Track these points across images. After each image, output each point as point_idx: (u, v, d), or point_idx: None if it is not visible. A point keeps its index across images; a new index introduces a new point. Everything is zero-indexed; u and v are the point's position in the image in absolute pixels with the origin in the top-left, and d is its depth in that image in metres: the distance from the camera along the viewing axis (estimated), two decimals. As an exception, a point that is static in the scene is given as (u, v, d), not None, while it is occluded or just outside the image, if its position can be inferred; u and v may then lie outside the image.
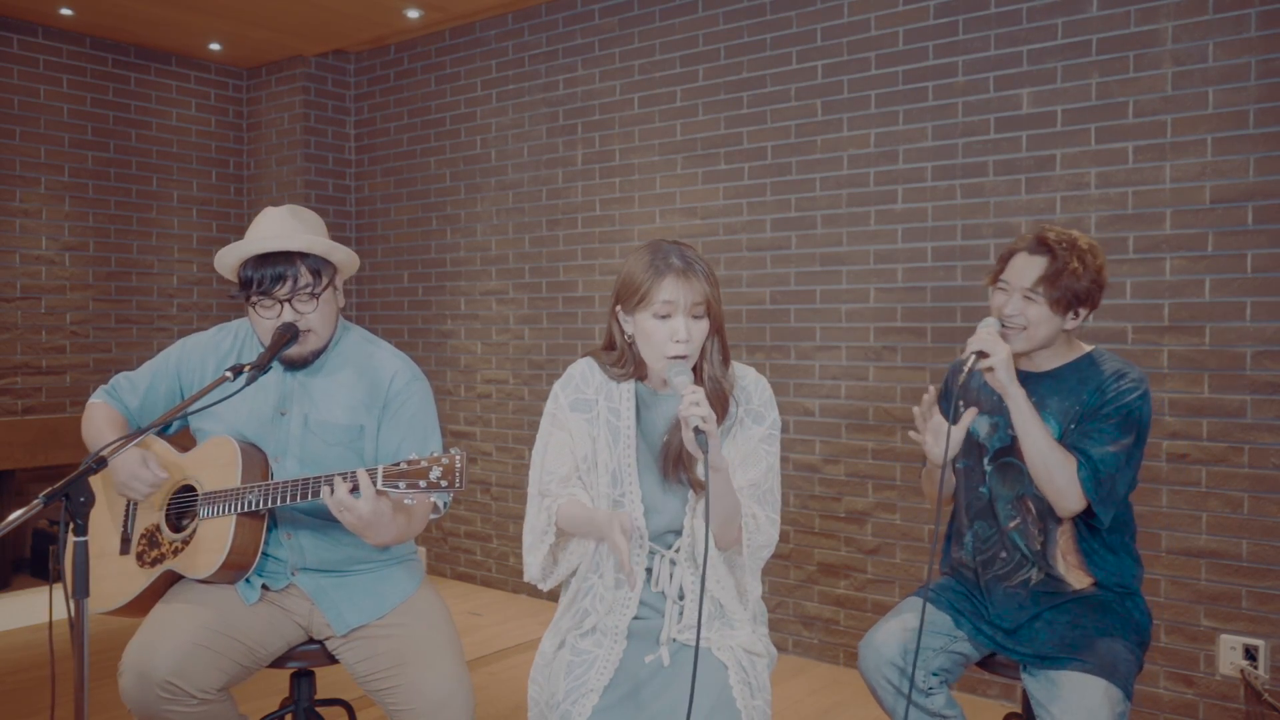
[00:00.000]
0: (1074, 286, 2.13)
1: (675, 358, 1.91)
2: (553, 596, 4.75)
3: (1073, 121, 3.34)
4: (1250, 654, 3.05)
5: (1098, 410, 2.15)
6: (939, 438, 2.16)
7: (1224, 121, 3.09)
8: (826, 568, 3.91)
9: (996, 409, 2.26)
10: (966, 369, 2.10)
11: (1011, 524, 2.25)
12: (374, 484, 1.91)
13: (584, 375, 2.06)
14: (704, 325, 1.94)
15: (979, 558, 2.31)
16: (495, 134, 4.92)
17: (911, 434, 2.24)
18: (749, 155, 4.07)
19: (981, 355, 2.10)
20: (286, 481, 2.06)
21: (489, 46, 4.93)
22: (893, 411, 3.73)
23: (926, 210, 3.65)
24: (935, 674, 2.19)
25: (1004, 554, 2.27)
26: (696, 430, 1.77)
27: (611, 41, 4.48)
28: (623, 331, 2.01)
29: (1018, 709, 3.03)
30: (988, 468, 2.29)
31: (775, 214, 4.01)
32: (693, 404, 1.78)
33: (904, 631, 2.21)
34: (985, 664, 2.27)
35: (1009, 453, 2.25)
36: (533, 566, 2.03)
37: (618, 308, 2.01)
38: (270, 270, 2.12)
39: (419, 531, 2.24)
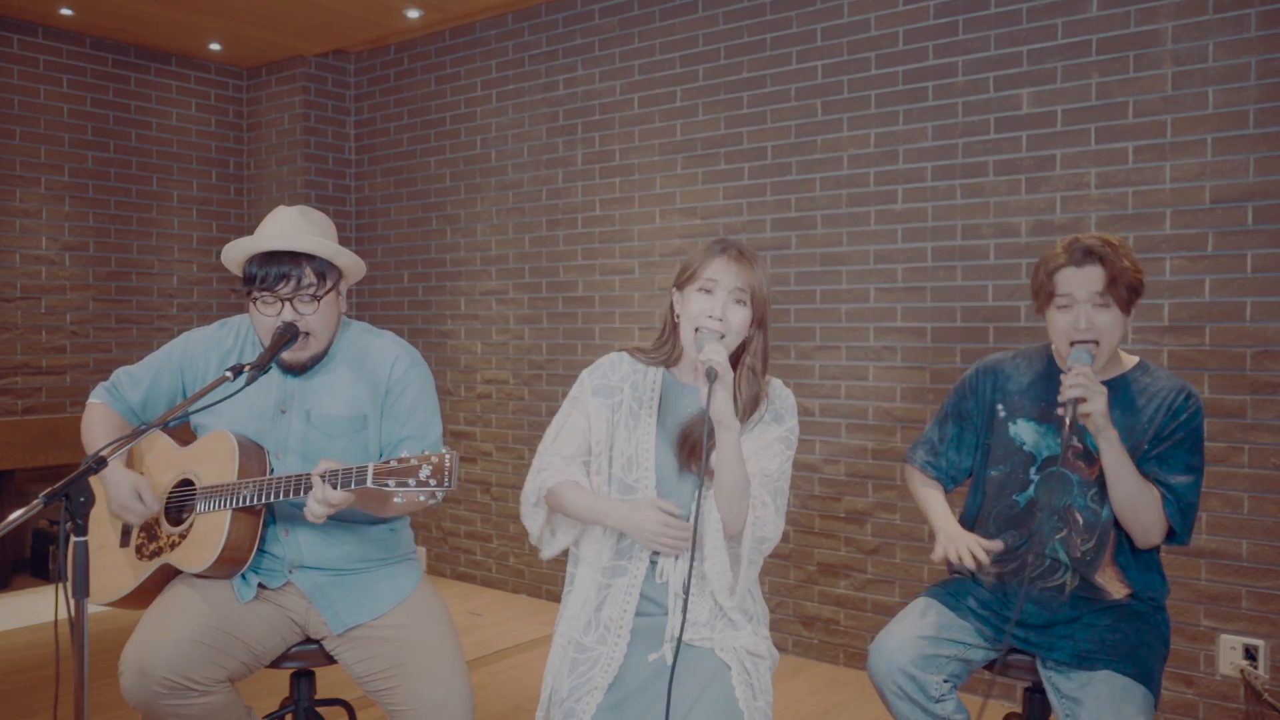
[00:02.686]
0: (1133, 282, 2.15)
1: (706, 329, 1.96)
2: (553, 596, 4.75)
3: (1073, 121, 3.34)
4: (1250, 654, 3.05)
5: (1171, 434, 2.17)
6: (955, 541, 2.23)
7: (1224, 121, 3.09)
8: (826, 568, 3.91)
9: (1044, 416, 2.26)
10: (1068, 421, 2.04)
11: (1058, 535, 2.23)
12: (366, 482, 1.94)
13: (611, 364, 2.12)
14: (744, 313, 1.98)
15: (1003, 563, 2.28)
16: (495, 134, 4.92)
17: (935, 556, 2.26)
18: (749, 155, 4.07)
19: (1080, 400, 2.05)
20: (280, 478, 2.06)
21: (489, 46, 4.93)
22: (893, 411, 3.73)
23: (926, 210, 3.65)
24: (947, 680, 2.17)
25: (1034, 559, 2.24)
26: (710, 371, 1.83)
27: (611, 41, 4.48)
28: (673, 310, 2.07)
29: (1018, 709, 3.03)
30: (1034, 476, 2.27)
31: (775, 214, 4.01)
32: (713, 352, 1.87)
33: (917, 638, 2.18)
34: (992, 665, 2.25)
35: (1055, 462, 2.24)
36: (533, 532, 2.10)
37: (674, 289, 2.07)
38: (275, 268, 2.14)
39: (408, 513, 2.30)
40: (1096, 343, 2.14)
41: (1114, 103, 3.27)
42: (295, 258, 2.15)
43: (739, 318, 1.97)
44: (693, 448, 2.00)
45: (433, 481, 1.87)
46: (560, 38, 4.66)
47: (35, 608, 4.48)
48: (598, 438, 2.05)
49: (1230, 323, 3.10)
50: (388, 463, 1.90)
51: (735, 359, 2.02)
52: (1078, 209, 3.34)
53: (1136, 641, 2.11)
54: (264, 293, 2.15)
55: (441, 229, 5.16)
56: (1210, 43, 3.10)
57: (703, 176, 4.20)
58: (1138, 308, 2.22)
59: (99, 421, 2.26)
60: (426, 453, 1.89)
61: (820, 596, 3.93)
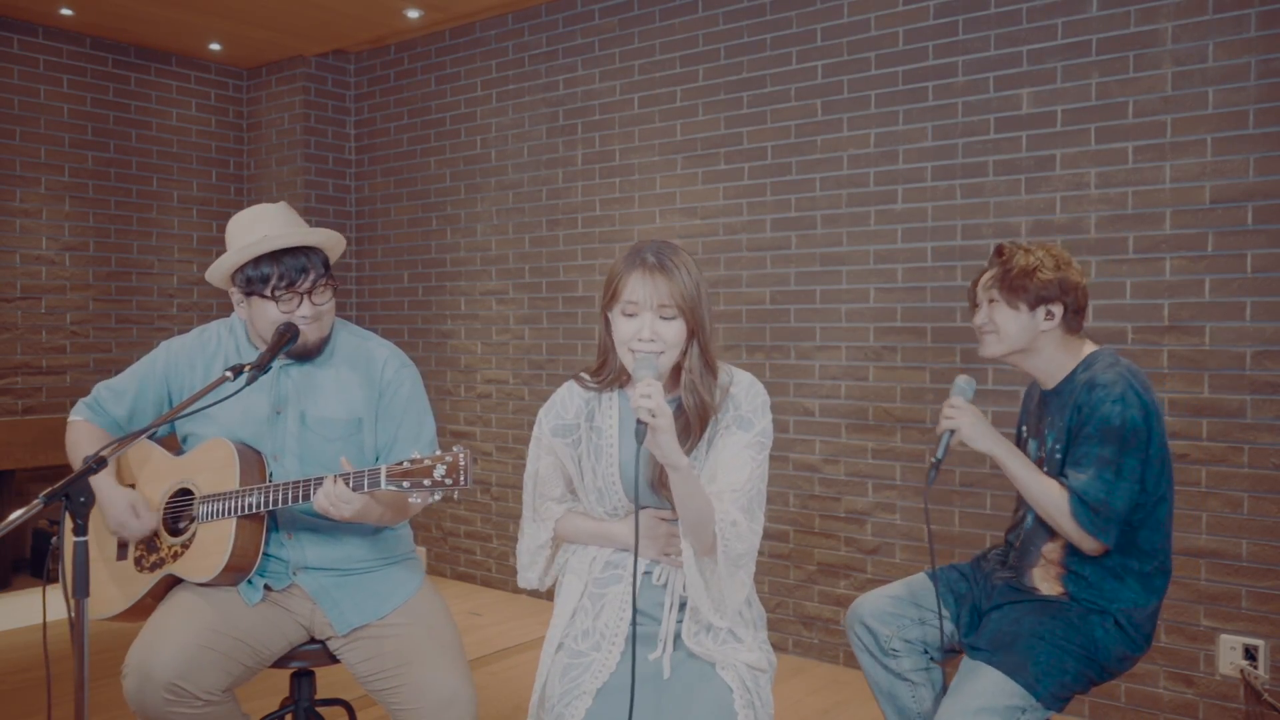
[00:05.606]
0: (1025, 282, 2.15)
1: (640, 353, 1.86)
2: (552, 596, 4.74)
3: (1073, 121, 3.34)
4: (1250, 654, 3.05)
5: (1080, 431, 2.11)
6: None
7: (1224, 121, 3.09)
8: (826, 568, 3.91)
9: (1034, 432, 2.29)
10: (944, 445, 2.16)
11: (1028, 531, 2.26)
12: (379, 484, 1.93)
13: (564, 401, 2.02)
14: (676, 326, 1.87)
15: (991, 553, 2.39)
16: (495, 134, 4.92)
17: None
18: (749, 155, 4.06)
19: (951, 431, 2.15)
20: (286, 483, 2.06)
21: (489, 46, 4.93)
22: (893, 411, 3.73)
23: (926, 210, 3.65)
24: (907, 640, 2.25)
25: (995, 552, 2.34)
26: (638, 431, 1.72)
27: (611, 41, 4.48)
28: (608, 331, 1.98)
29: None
30: None
31: (775, 214, 4.01)
32: (642, 395, 1.72)
33: (885, 596, 2.32)
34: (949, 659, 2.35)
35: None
36: (532, 579, 2.11)
37: (604, 311, 1.99)
38: (292, 263, 2.14)
39: (409, 515, 2.29)
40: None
41: (1114, 103, 3.27)
42: (305, 250, 2.16)
43: (671, 332, 1.86)
44: (661, 472, 1.90)
45: (448, 480, 1.86)
46: (560, 38, 4.66)
47: (35, 608, 4.49)
48: (570, 473, 2.04)
49: (1230, 323, 3.10)
50: (400, 463, 1.89)
51: (677, 369, 1.94)
52: (1078, 209, 3.34)
53: (1033, 635, 2.07)
54: (285, 290, 2.14)
55: (441, 229, 5.16)
56: (1210, 43, 3.10)
57: (703, 176, 4.20)
58: (1057, 314, 2.17)
59: (85, 436, 2.23)
60: (439, 452, 1.88)
61: (820, 596, 3.93)
